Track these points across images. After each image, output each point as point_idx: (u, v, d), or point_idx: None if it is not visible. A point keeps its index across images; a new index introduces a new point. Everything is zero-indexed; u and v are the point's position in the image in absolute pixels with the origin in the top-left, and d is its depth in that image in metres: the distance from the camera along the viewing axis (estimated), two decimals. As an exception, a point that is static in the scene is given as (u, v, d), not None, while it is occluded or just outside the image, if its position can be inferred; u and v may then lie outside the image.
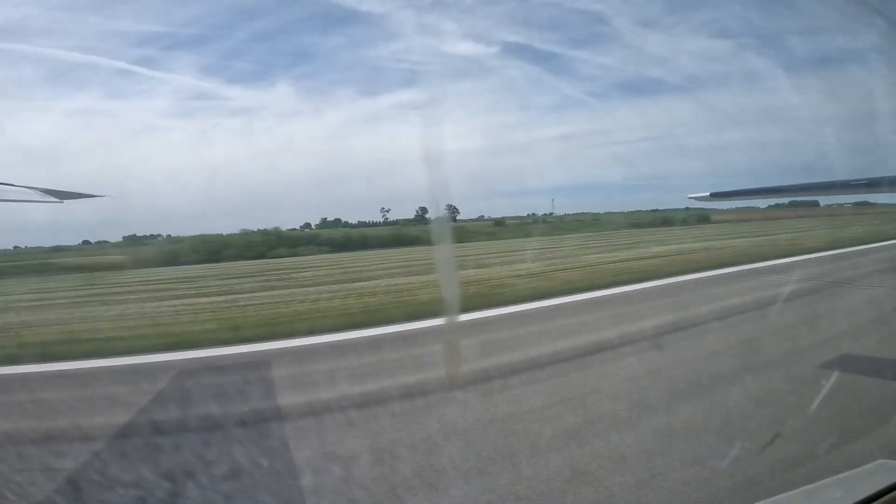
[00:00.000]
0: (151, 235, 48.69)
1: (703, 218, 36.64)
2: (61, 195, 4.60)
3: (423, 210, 52.87)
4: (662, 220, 36.45)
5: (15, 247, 37.03)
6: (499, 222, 44.59)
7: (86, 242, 43.13)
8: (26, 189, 4.20)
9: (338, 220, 54.63)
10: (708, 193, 8.16)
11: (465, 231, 38.10)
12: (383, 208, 56.97)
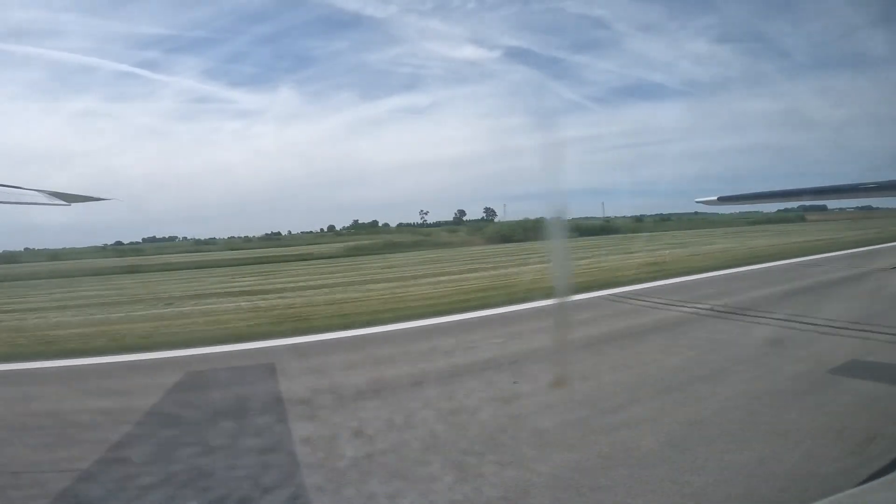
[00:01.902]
0: (171, 237, 48.84)
1: (799, 217, 37.95)
2: (69, 198, 4.55)
3: (462, 213, 53.56)
4: (770, 219, 37.99)
5: (26, 248, 37.28)
6: (637, 219, 45.42)
7: (118, 243, 43.26)
8: (34, 192, 4.15)
9: (374, 222, 54.55)
10: (716, 197, 8.11)
11: (612, 225, 41.47)
12: (422, 210, 57.21)
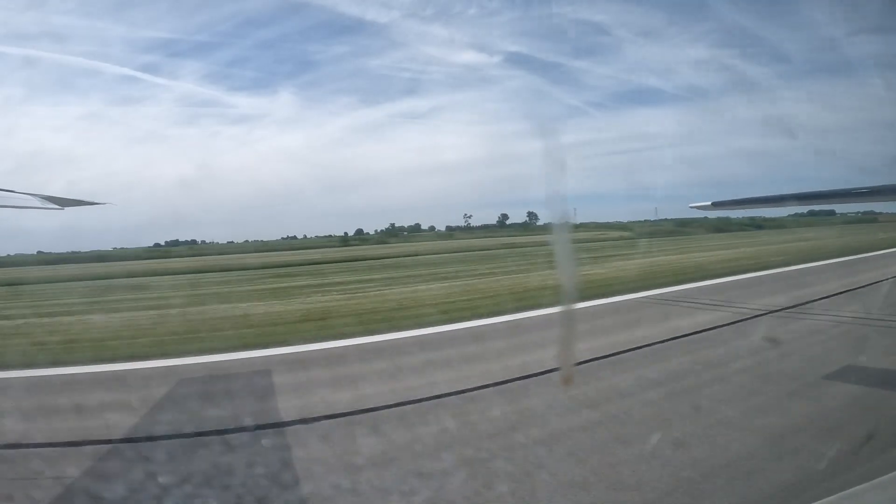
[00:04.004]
0: (192, 241, 48.86)
1: (872, 219, 38.75)
2: (62, 202, 4.62)
3: (505, 216, 53.80)
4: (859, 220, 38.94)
5: (38, 251, 37.70)
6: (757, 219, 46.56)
7: (156, 245, 43.50)
8: (27, 196, 4.22)
9: (417, 226, 54.53)
10: (710, 202, 8.12)
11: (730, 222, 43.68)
12: (466, 214, 57.58)
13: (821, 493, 2.08)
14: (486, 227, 53.43)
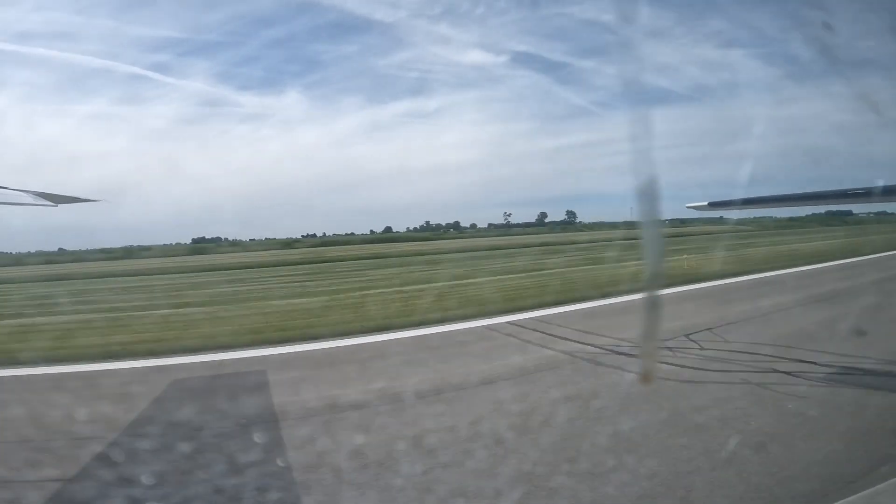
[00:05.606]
0: (217, 238, 48.83)
1: None
2: (56, 199, 4.70)
3: (544, 214, 53.14)
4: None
5: (60, 249, 38.17)
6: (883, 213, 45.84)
7: (196, 241, 43.41)
8: (20, 192, 4.30)
9: (456, 223, 53.83)
10: (706, 202, 8.04)
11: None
12: (505, 212, 57.30)
13: (840, 495, 2.05)
14: (525, 225, 52.93)
